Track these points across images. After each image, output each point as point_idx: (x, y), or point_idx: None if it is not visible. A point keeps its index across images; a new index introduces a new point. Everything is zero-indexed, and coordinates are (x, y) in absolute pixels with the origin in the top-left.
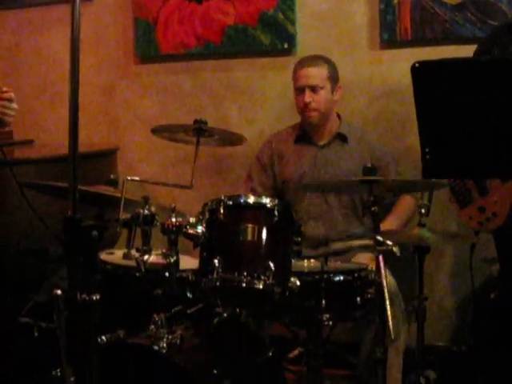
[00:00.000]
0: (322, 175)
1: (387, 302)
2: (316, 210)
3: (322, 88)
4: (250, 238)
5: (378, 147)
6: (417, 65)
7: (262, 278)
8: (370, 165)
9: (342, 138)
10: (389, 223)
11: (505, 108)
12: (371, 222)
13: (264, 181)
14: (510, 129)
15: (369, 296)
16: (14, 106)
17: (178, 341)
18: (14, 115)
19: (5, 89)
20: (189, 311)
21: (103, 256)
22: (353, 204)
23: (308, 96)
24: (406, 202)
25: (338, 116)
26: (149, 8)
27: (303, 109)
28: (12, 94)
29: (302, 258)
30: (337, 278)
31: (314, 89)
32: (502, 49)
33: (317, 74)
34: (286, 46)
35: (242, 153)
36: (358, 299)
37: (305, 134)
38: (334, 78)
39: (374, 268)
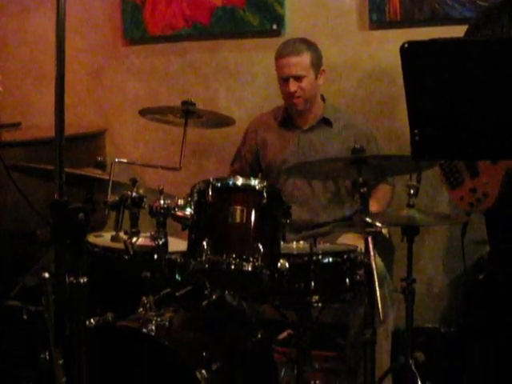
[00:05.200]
0: (306, 160)
1: (376, 284)
2: (300, 195)
3: (305, 76)
4: (238, 220)
5: (361, 129)
6: (406, 45)
7: (251, 260)
8: (358, 146)
9: (326, 122)
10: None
11: (495, 88)
12: (356, 205)
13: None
14: (500, 110)
15: (358, 278)
16: None
17: (167, 323)
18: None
19: None
20: (177, 294)
21: (91, 238)
22: (337, 188)
23: (292, 85)
24: (384, 189)
25: (323, 98)
26: None
27: (289, 97)
28: None
29: (287, 242)
30: (326, 260)
31: (297, 78)
32: (493, 28)
33: (299, 63)
34: (274, 26)
35: (231, 134)
36: (347, 281)
37: (289, 118)
38: (317, 64)
39: (362, 249)
